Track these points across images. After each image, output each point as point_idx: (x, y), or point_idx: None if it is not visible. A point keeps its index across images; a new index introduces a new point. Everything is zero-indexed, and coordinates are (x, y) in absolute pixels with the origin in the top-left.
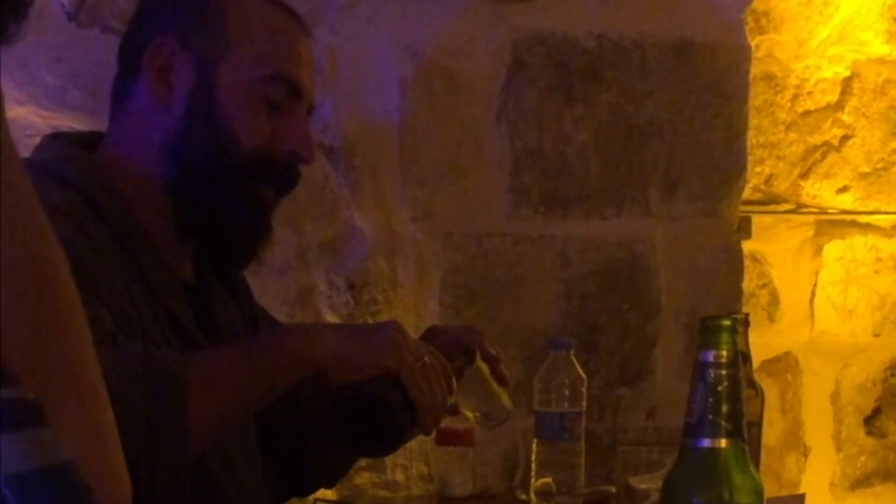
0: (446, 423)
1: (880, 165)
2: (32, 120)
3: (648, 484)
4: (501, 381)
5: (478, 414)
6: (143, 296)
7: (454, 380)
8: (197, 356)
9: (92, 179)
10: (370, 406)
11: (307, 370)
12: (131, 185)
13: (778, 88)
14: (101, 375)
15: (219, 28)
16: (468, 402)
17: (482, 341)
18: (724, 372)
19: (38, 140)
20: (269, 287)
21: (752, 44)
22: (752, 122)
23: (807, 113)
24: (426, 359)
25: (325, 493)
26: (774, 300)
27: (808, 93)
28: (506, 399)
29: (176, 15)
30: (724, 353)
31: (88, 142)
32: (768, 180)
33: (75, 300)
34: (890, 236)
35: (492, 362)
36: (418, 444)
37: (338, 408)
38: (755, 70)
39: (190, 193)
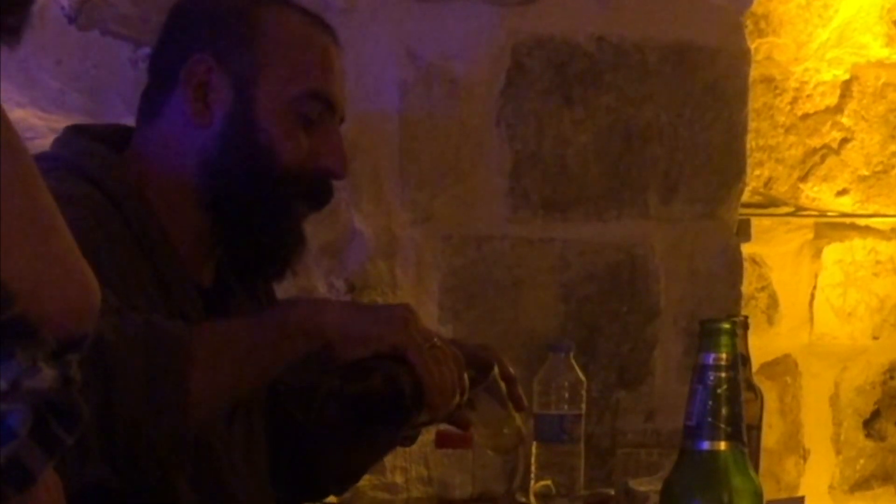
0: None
1: (879, 168)
2: (33, 122)
3: (648, 486)
4: (518, 405)
5: (489, 436)
6: (157, 295)
7: (466, 377)
8: (201, 324)
9: (113, 176)
10: (377, 381)
11: (313, 342)
12: (157, 191)
13: (777, 91)
14: (53, 203)
15: (255, 45)
16: (482, 418)
17: (501, 359)
18: (723, 375)
19: (38, 142)
20: None
21: (752, 47)
22: (752, 124)
23: (806, 116)
24: (436, 340)
25: None
26: (774, 303)
27: (808, 96)
28: (520, 422)
29: (212, 32)
30: (724, 355)
31: (112, 136)
32: (767, 183)
33: (26, 149)
34: (889, 239)
35: (510, 382)
36: (418, 446)
37: (345, 385)
38: (754, 73)
39: (227, 208)
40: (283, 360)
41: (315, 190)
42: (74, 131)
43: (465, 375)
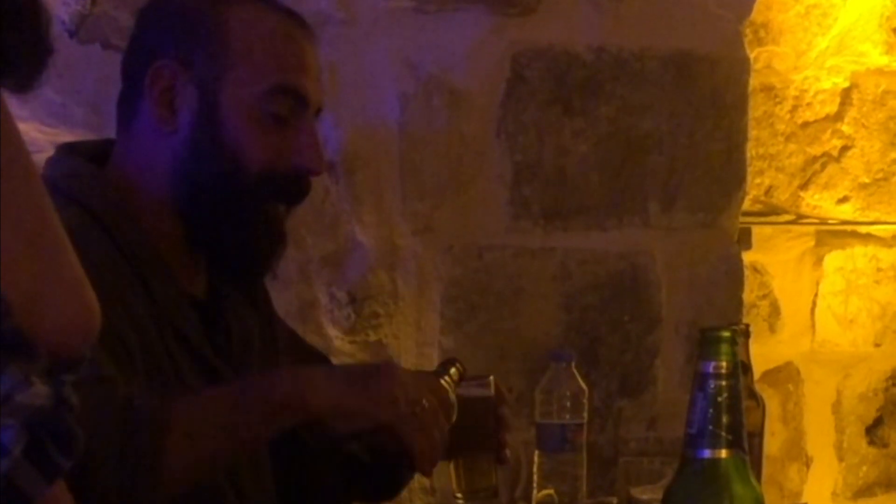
0: None
1: (880, 176)
2: (34, 136)
3: (650, 495)
4: (501, 455)
5: (464, 479)
6: (147, 314)
7: (454, 409)
8: (182, 399)
9: (100, 197)
10: (368, 457)
11: (299, 418)
12: (141, 202)
13: (777, 100)
14: (59, 224)
15: (219, 45)
16: (463, 460)
17: (502, 392)
18: (723, 382)
19: (39, 156)
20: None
21: (751, 55)
22: (752, 133)
23: (806, 124)
24: (424, 402)
25: None
26: (775, 311)
27: (808, 104)
28: (498, 477)
29: (175, 34)
30: (724, 363)
31: (101, 152)
32: (768, 191)
33: (30, 164)
34: (890, 246)
35: (500, 423)
36: None
37: (336, 458)
38: (754, 82)
39: (200, 214)
40: (267, 435)
41: (290, 188)
42: (64, 151)
43: (454, 407)
